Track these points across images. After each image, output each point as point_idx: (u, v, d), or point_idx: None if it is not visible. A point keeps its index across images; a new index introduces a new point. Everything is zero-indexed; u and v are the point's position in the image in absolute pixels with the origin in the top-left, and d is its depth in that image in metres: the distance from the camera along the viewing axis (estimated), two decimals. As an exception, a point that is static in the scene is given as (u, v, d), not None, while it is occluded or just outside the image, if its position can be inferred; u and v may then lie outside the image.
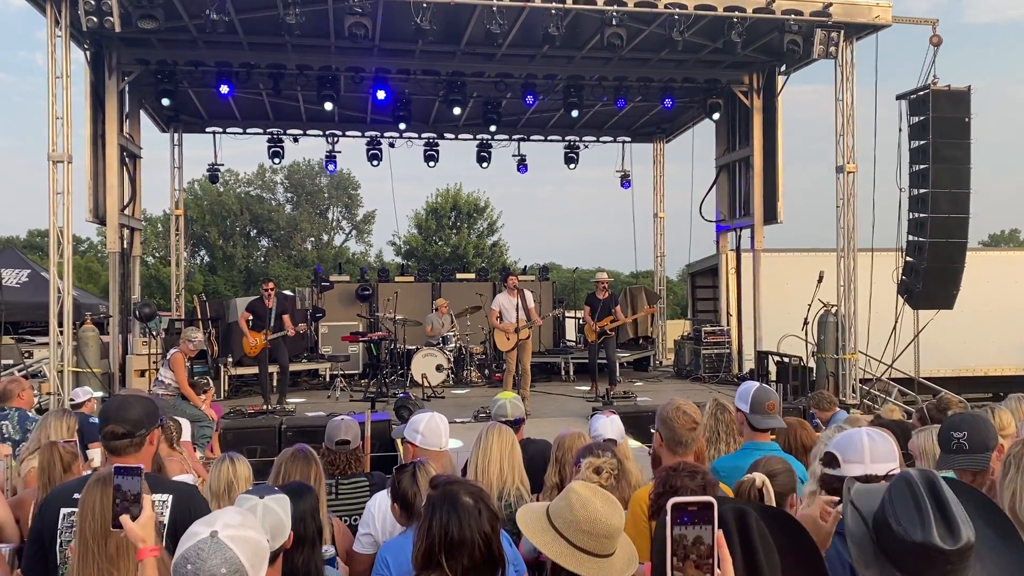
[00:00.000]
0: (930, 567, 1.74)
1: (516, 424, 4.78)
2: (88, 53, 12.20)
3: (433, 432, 4.03)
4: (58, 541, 3.00)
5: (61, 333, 10.67)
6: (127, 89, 13.35)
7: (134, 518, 2.46)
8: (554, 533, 2.25)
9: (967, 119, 12.02)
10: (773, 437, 5.16)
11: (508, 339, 11.69)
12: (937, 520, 1.78)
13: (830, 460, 2.70)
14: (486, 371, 14.79)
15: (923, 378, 13.74)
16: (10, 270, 16.02)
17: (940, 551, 1.73)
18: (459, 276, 18.23)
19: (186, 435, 6.41)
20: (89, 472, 3.34)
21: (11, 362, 13.33)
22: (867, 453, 2.64)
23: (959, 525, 1.76)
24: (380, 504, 3.66)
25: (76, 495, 3.05)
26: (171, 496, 2.89)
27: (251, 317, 11.50)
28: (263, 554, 2.18)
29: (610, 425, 4.37)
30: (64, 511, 3.01)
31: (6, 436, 6.34)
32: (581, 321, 14.76)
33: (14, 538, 4.05)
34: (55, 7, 10.61)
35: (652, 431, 3.93)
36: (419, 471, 3.27)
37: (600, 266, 17.65)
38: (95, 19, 10.21)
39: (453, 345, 14.39)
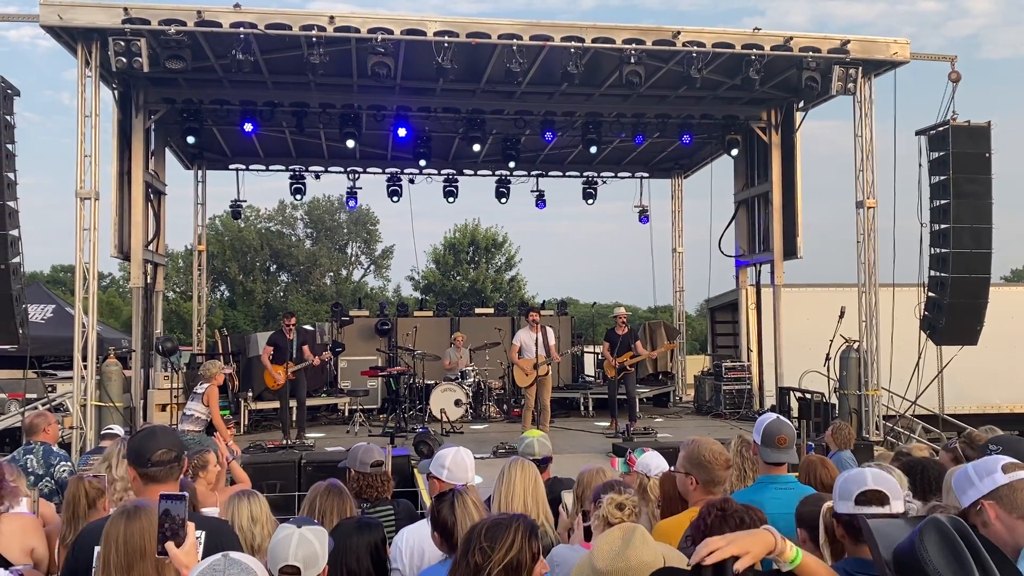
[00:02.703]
0: None
1: (544, 463, 4.76)
2: (116, 92, 12.45)
3: (459, 466, 4.02)
4: None
5: (85, 367, 10.76)
6: (153, 127, 13.60)
7: (179, 545, 2.50)
8: None
9: (987, 154, 12.02)
10: (797, 474, 5.12)
11: (527, 375, 11.68)
12: (978, 564, 1.88)
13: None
14: (504, 406, 14.75)
15: (947, 415, 13.56)
16: (35, 305, 16.22)
17: None
18: (478, 311, 18.27)
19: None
20: None
21: (35, 396, 13.46)
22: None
23: (995, 570, 1.86)
24: (407, 539, 3.66)
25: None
26: (204, 532, 2.92)
27: (272, 351, 11.59)
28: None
29: (662, 459, 4.34)
30: (98, 549, 3.03)
31: (30, 470, 6.37)
32: (600, 356, 14.71)
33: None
34: (86, 49, 10.87)
35: (675, 472, 3.89)
36: (457, 500, 3.29)
37: (618, 301, 17.65)
38: (124, 60, 10.45)
39: (472, 380, 14.38)
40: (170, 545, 2.51)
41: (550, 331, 12.02)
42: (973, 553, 1.92)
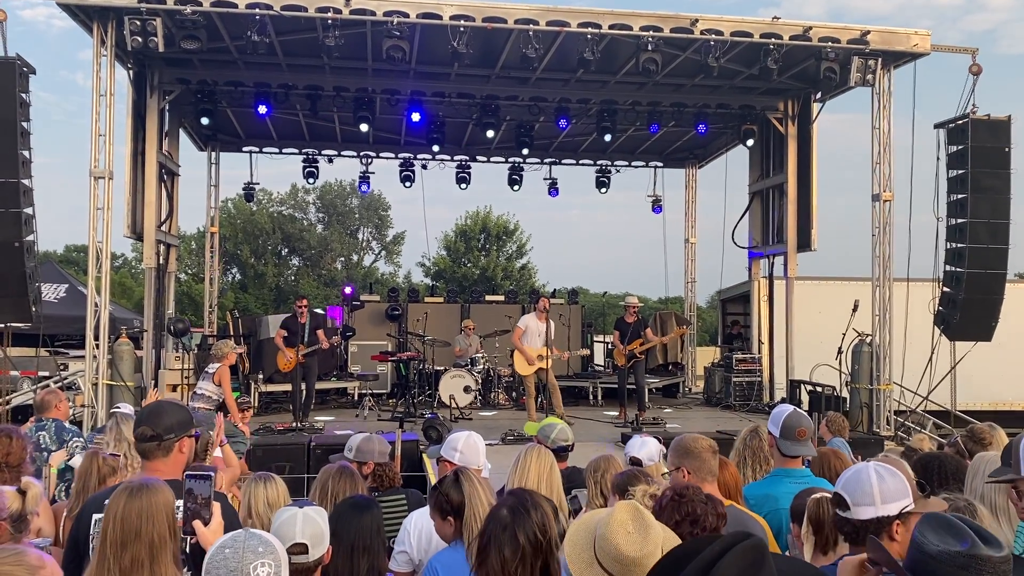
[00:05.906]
0: None
1: (569, 450, 4.75)
2: (131, 72, 12.45)
3: (472, 450, 3.99)
4: (91, 547, 3.02)
5: (97, 347, 10.81)
6: (167, 108, 13.60)
7: (205, 523, 2.49)
8: (591, 556, 2.22)
9: (1007, 149, 11.89)
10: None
11: (528, 364, 11.66)
12: (976, 534, 1.88)
13: (839, 502, 2.58)
14: (514, 393, 14.74)
15: (959, 411, 13.49)
16: (49, 284, 16.28)
17: (986, 559, 1.82)
18: (488, 298, 18.24)
19: (217, 450, 6.43)
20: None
21: (47, 374, 13.54)
22: (877, 494, 2.51)
23: (997, 538, 1.87)
24: (416, 522, 3.64)
25: (107, 501, 3.08)
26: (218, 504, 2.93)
27: (285, 334, 11.62)
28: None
29: (641, 447, 4.31)
30: (96, 517, 3.05)
31: (43, 446, 6.39)
32: (610, 345, 14.65)
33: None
34: (102, 28, 10.86)
35: (670, 471, 3.78)
36: (463, 476, 3.26)
37: (628, 291, 17.53)
38: (140, 39, 10.43)
39: (481, 367, 14.38)
40: (197, 524, 2.51)
41: (552, 325, 11.95)
42: (970, 524, 1.92)
